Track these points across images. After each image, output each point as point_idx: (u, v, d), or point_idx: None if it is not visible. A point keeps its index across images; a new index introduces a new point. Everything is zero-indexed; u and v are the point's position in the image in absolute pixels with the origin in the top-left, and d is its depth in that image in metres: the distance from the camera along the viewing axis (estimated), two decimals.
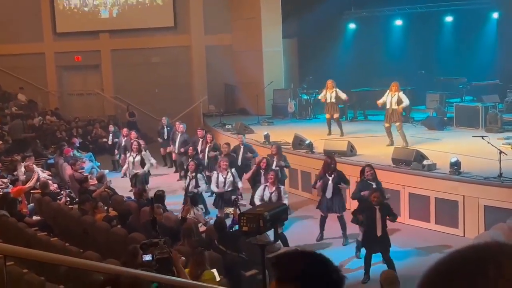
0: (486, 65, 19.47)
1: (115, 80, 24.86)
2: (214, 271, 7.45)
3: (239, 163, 14.07)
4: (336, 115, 16.67)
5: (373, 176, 10.59)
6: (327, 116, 16.89)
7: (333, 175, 11.28)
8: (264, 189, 11.37)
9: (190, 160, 13.78)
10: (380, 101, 14.88)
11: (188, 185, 12.80)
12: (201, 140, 15.79)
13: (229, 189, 12.34)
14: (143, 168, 14.39)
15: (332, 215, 11.41)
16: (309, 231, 11.98)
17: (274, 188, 11.22)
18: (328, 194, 11.26)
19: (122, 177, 15.65)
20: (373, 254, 9.53)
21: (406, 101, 14.62)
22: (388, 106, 14.61)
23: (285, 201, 10.94)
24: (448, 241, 10.96)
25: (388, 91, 14.72)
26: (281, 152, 13.39)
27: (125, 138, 16.94)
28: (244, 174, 13.68)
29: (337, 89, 16.53)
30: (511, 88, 18.66)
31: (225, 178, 12.38)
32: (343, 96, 16.60)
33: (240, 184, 12.65)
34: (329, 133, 16.75)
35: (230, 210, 10.74)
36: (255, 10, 22.54)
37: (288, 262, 1.67)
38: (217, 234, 9.20)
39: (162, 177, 17.20)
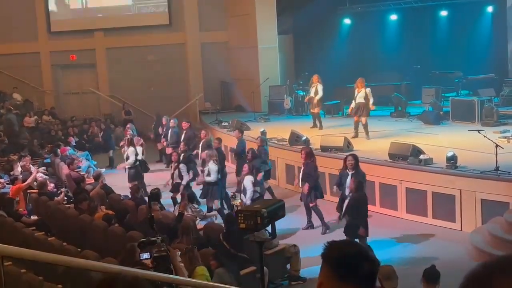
0: (481, 59, 19.50)
1: (110, 79, 24.82)
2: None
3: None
4: (316, 110, 17.18)
5: (353, 166, 10.62)
6: (311, 111, 17.58)
7: (303, 166, 11.72)
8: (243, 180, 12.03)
9: (173, 151, 14.18)
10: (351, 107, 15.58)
11: (172, 175, 13.18)
12: (184, 131, 16.52)
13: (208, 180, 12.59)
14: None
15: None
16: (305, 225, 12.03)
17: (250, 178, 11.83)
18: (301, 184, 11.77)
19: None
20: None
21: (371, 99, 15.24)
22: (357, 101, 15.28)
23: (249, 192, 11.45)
24: (446, 235, 10.99)
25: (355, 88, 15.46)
26: (264, 144, 13.73)
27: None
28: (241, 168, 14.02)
29: (319, 84, 16.88)
30: (506, 81, 18.68)
31: (202, 170, 12.88)
32: (318, 94, 16.90)
33: (210, 178, 12.58)
34: (321, 127, 17.15)
35: (236, 202, 10.76)
36: (250, 7, 22.51)
37: (331, 247, 1.98)
38: (225, 228, 9.18)
39: (157, 173, 17.15)
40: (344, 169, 10.76)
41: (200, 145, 15.07)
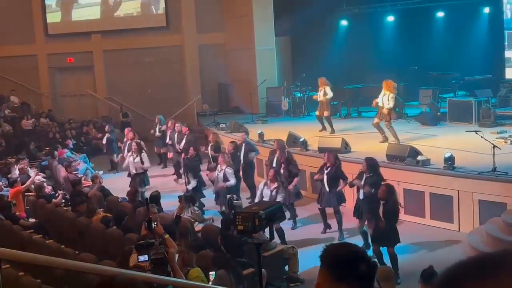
0: (478, 60, 19.50)
1: (108, 81, 24.81)
2: (212, 273, 7.46)
3: (242, 161, 14.05)
4: (326, 113, 16.66)
5: (364, 168, 10.47)
6: (317, 113, 16.94)
7: (328, 170, 11.27)
8: (263, 187, 11.39)
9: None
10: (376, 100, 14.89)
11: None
12: (177, 132, 16.35)
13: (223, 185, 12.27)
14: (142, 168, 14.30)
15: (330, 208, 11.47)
16: (306, 226, 12.06)
17: (275, 185, 11.20)
18: (324, 188, 11.25)
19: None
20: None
21: (391, 104, 14.59)
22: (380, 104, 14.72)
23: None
24: (444, 236, 11.00)
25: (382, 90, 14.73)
26: (284, 148, 13.39)
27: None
28: (249, 172, 13.83)
29: (326, 87, 16.44)
30: (503, 82, 18.70)
31: (217, 175, 12.34)
32: (328, 94, 16.38)
33: (231, 182, 12.46)
34: (322, 129, 16.76)
35: None
36: (247, 8, 22.53)
37: (328, 249, 2.04)
38: (220, 232, 9.12)
39: (158, 177, 17.10)
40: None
41: (209, 148, 14.88)
